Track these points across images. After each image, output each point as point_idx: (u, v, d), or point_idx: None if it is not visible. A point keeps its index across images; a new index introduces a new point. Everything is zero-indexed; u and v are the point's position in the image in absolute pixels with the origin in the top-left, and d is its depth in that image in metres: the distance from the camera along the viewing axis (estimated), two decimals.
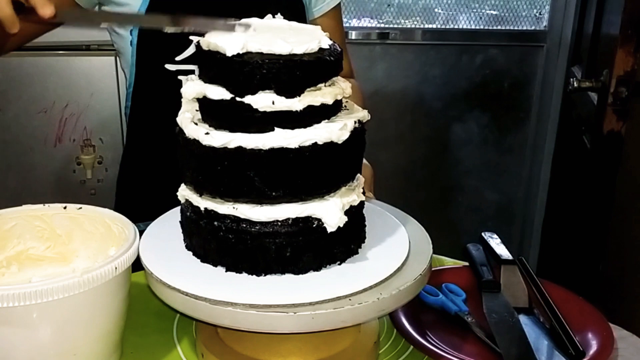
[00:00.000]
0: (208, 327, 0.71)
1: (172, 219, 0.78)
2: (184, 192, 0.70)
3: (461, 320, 0.78)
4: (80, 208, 0.75)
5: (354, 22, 2.32)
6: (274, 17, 0.76)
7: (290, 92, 0.63)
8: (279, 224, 0.65)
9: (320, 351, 0.69)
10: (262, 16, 0.75)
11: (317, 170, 0.65)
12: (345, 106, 0.72)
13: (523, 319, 0.78)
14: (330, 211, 0.65)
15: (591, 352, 0.71)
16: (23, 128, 1.80)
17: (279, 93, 0.63)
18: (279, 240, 0.65)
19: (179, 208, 0.76)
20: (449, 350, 0.72)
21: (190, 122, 0.67)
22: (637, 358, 0.75)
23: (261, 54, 0.62)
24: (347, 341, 0.71)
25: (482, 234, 0.93)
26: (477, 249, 0.91)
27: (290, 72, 0.63)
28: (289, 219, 0.65)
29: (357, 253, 0.70)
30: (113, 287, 0.64)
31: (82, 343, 0.64)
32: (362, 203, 0.71)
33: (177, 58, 0.98)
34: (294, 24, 0.73)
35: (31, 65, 1.76)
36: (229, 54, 0.63)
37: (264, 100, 0.63)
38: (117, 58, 1.49)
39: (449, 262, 0.95)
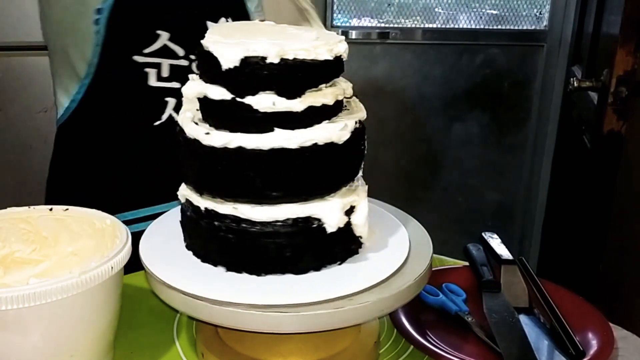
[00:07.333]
0: (208, 327, 0.71)
1: (172, 218, 0.78)
2: (185, 192, 0.70)
3: (461, 320, 0.78)
4: (67, 209, 0.74)
5: (354, 22, 2.32)
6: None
7: (291, 93, 0.63)
8: (279, 224, 0.65)
9: (320, 351, 0.69)
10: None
11: (318, 171, 0.65)
12: (345, 106, 0.72)
13: (523, 319, 0.78)
14: (330, 212, 0.65)
15: (591, 352, 0.71)
16: (23, 128, 1.80)
17: (280, 94, 0.63)
18: (279, 240, 0.65)
19: (179, 208, 0.76)
20: (449, 350, 0.72)
21: (190, 122, 0.67)
22: (637, 358, 0.75)
23: (261, 56, 0.62)
24: (347, 341, 0.71)
25: (482, 234, 0.93)
26: (477, 249, 0.91)
27: (291, 74, 0.63)
28: (289, 219, 0.65)
29: (357, 253, 0.70)
30: (109, 286, 0.64)
31: (79, 344, 0.64)
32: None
33: (146, 50, 0.97)
34: (290, 27, 0.73)
35: (31, 65, 1.76)
36: (224, 67, 0.63)
37: (265, 101, 0.63)
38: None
39: (449, 262, 0.95)
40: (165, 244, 0.73)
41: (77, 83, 1.01)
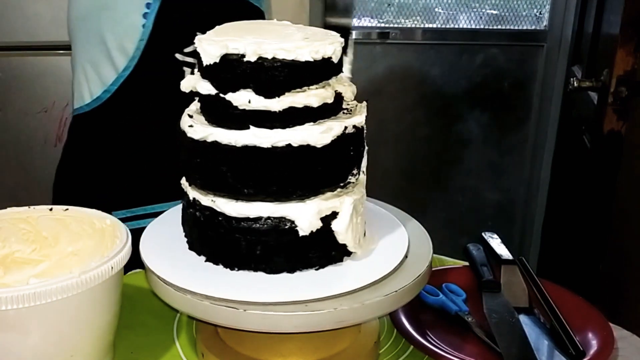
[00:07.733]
0: (208, 327, 0.71)
1: (173, 216, 0.78)
2: (183, 181, 0.72)
3: (461, 320, 0.78)
4: (67, 209, 0.74)
5: (354, 22, 2.32)
6: None
7: (269, 92, 0.63)
8: (251, 221, 0.65)
9: (321, 351, 0.69)
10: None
11: (292, 172, 0.64)
12: (348, 109, 0.71)
13: (523, 319, 0.78)
14: (304, 214, 0.64)
15: (591, 352, 0.71)
16: (23, 128, 1.80)
17: (257, 92, 0.63)
18: (250, 237, 0.65)
19: (180, 206, 0.76)
20: (449, 350, 0.72)
21: (185, 114, 0.69)
22: (637, 358, 0.76)
23: (240, 54, 0.63)
24: (347, 341, 0.71)
25: (483, 234, 0.93)
26: (477, 249, 0.91)
27: (268, 73, 0.63)
28: (261, 217, 0.65)
29: (341, 261, 0.69)
30: (109, 286, 0.64)
31: (79, 344, 0.64)
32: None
33: (185, 50, 1.00)
34: (294, 26, 0.73)
35: (31, 65, 1.76)
36: (205, 63, 0.65)
37: (242, 99, 0.64)
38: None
39: (449, 262, 0.95)
40: (166, 242, 0.73)
41: (114, 75, 1.02)
